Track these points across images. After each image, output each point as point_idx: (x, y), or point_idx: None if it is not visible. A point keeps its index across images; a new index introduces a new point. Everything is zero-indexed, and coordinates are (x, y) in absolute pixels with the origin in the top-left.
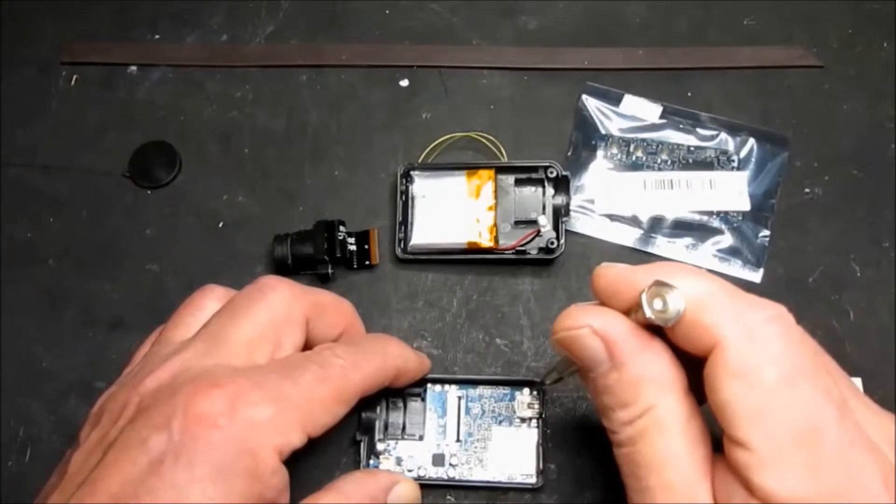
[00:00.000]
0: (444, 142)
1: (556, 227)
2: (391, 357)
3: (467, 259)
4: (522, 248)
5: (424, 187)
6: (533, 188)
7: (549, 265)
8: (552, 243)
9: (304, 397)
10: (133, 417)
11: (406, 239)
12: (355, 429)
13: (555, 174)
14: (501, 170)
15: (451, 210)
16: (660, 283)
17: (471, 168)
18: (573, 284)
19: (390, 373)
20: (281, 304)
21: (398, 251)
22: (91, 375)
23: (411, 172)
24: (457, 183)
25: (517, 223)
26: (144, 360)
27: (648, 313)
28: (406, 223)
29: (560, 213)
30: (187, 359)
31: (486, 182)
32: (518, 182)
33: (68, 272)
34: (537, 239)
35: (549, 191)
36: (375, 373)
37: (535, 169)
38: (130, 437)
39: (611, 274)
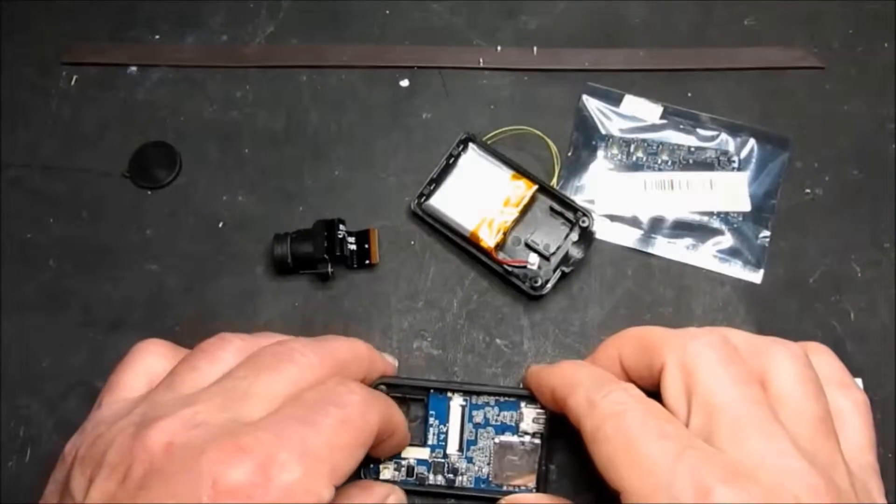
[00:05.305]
0: (510, 132)
1: (553, 271)
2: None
3: (466, 253)
4: (511, 270)
5: (471, 163)
6: (560, 223)
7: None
8: (535, 282)
9: (329, 446)
10: (144, 482)
11: (427, 196)
12: None
13: (585, 224)
14: (543, 190)
15: (480, 198)
16: None
17: (520, 172)
18: (573, 286)
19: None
20: (309, 368)
21: (414, 204)
22: (91, 375)
23: (470, 143)
24: (500, 177)
25: (527, 245)
26: (147, 404)
27: None
28: (436, 184)
29: (567, 261)
30: (199, 412)
31: (524, 192)
32: (552, 211)
33: (68, 272)
34: (529, 268)
35: (573, 236)
36: (388, 407)
37: (572, 209)
38: None
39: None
